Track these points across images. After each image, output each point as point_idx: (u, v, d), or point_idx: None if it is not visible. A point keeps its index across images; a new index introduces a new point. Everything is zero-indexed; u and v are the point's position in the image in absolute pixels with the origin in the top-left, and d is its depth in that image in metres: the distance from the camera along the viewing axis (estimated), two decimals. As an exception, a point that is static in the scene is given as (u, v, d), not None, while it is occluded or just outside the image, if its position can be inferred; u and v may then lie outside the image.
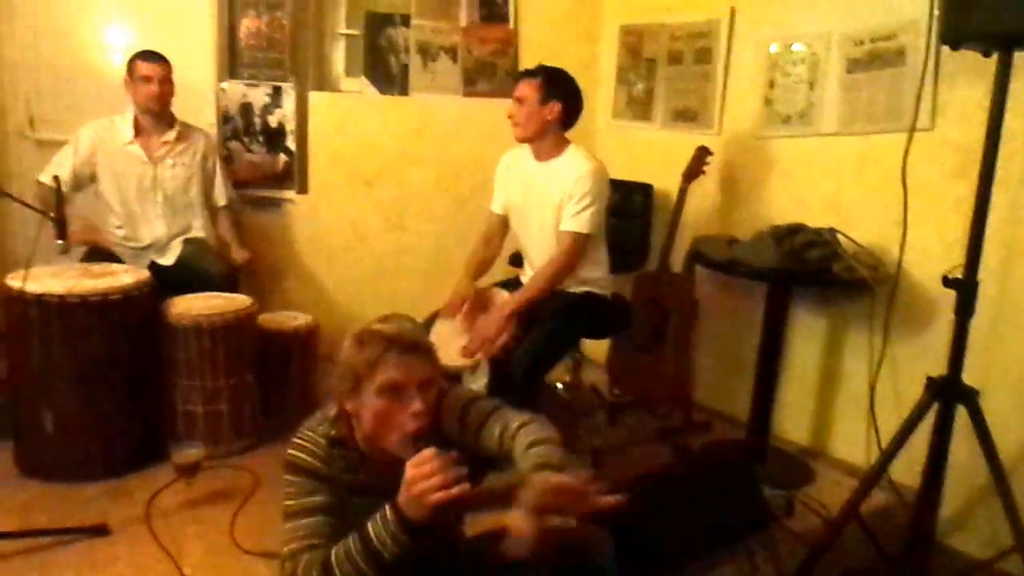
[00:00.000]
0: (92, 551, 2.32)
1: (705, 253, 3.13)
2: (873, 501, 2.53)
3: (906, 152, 2.39)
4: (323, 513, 1.56)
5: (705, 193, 3.59)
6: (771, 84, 3.34)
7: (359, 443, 1.63)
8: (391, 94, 4.07)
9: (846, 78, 3.04)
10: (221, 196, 3.63)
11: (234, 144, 3.94)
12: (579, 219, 2.82)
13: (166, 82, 3.33)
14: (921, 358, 2.74)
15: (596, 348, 3.79)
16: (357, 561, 1.46)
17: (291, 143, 4.00)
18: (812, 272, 2.83)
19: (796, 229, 2.89)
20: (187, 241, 3.47)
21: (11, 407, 2.81)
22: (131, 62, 3.32)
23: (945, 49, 2.24)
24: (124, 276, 2.86)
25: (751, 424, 3.14)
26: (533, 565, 1.64)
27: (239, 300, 3.09)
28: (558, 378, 3.36)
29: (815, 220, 2.98)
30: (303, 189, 4.06)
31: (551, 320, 2.81)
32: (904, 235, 2.53)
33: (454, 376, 2.72)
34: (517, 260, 3.32)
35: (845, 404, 3.14)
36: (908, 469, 2.52)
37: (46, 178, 3.22)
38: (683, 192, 3.35)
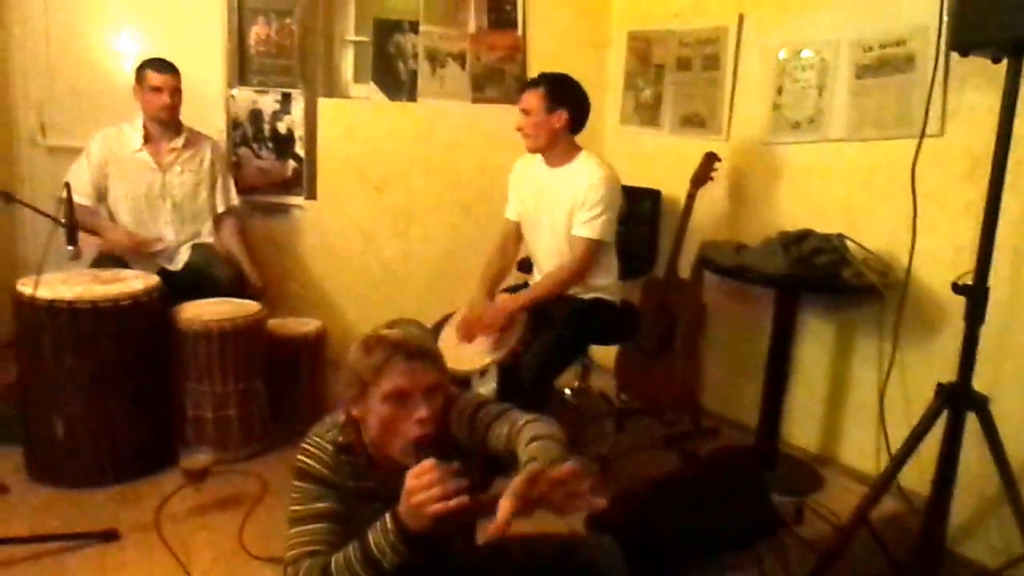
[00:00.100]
0: (102, 556, 2.33)
1: (713, 259, 3.12)
2: (883, 508, 2.52)
3: (915, 158, 2.40)
4: (327, 520, 1.56)
5: (713, 199, 3.59)
6: (779, 90, 3.33)
7: (367, 449, 1.63)
8: (399, 100, 4.08)
9: (855, 84, 3.03)
10: (220, 203, 3.62)
11: (243, 150, 3.96)
12: (592, 226, 2.82)
13: (176, 93, 3.35)
14: (931, 364, 2.73)
15: (604, 354, 3.79)
16: (356, 569, 1.46)
17: (300, 149, 4.01)
18: (821, 278, 2.82)
19: (805, 235, 2.88)
20: (195, 247, 3.49)
21: (21, 412, 2.82)
22: (140, 70, 3.33)
23: (954, 55, 2.24)
24: (134, 282, 2.87)
25: (760, 430, 3.13)
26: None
27: (248, 306, 3.10)
28: (566, 384, 3.35)
29: (824, 226, 2.98)
30: (312, 195, 4.07)
31: (560, 326, 2.81)
32: (913, 241, 2.53)
33: (463, 381, 2.73)
34: (525, 266, 3.32)
35: (854, 410, 3.13)
36: (918, 476, 2.51)
37: (76, 199, 3.25)
38: (691, 198, 3.35)
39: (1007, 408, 2.39)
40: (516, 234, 3.16)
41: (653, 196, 3.84)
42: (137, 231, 3.39)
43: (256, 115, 3.96)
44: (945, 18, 2.40)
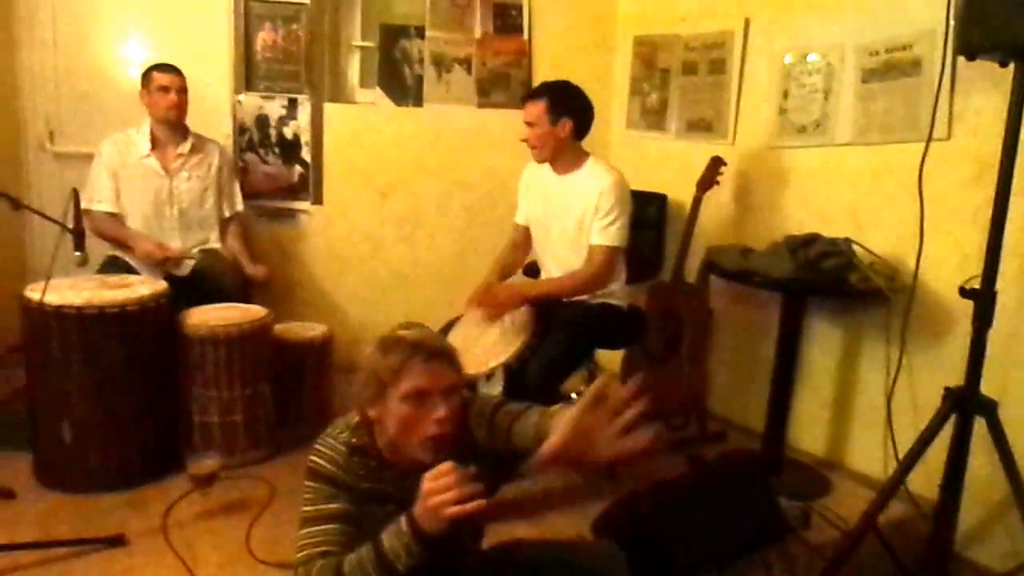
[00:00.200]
0: (109, 561, 2.33)
1: (719, 263, 3.12)
2: (891, 513, 2.51)
3: (922, 162, 2.39)
4: (339, 521, 1.56)
5: (719, 203, 3.58)
6: (785, 94, 3.33)
7: (380, 450, 1.63)
8: (405, 105, 4.09)
9: (861, 88, 3.03)
10: (227, 208, 3.64)
11: (250, 156, 3.97)
12: (608, 233, 2.83)
13: (182, 92, 3.37)
14: (938, 369, 2.72)
15: (611, 358, 3.78)
16: (369, 571, 1.46)
17: (306, 154, 4.02)
18: (827, 282, 2.81)
19: (811, 239, 2.88)
20: (202, 252, 3.50)
21: (30, 418, 2.83)
22: (146, 74, 3.36)
23: (961, 59, 2.24)
24: (141, 287, 2.88)
25: (766, 435, 3.12)
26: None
27: (255, 311, 3.11)
28: (573, 388, 3.34)
29: (830, 230, 2.97)
30: (318, 200, 4.08)
31: (567, 330, 2.81)
32: (921, 245, 2.52)
33: (469, 384, 2.73)
34: (532, 272, 3.32)
35: (862, 415, 3.12)
36: (926, 481, 2.50)
37: (98, 207, 3.33)
38: (697, 202, 3.35)
39: (1015, 412, 2.38)
40: (525, 238, 3.17)
41: (659, 200, 3.84)
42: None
43: (262, 120, 3.97)
44: (952, 22, 2.39)
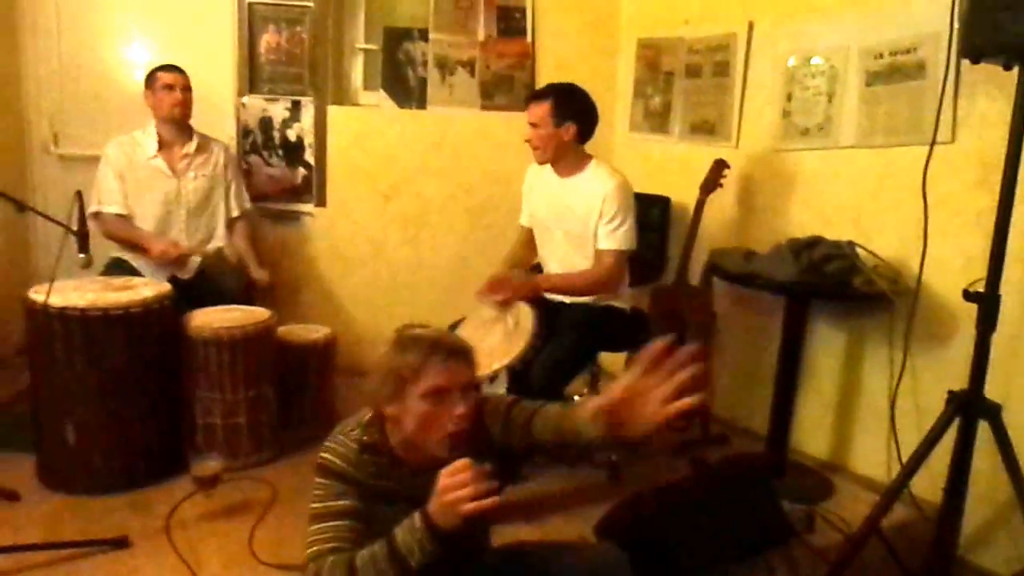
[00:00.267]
0: (113, 563, 2.34)
1: (723, 266, 3.12)
2: (894, 516, 2.51)
3: (926, 165, 2.39)
4: (349, 517, 1.57)
5: (723, 206, 3.58)
6: (789, 97, 3.33)
7: (392, 448, 1.64)
8: (409, 108, 4.10)
9: (865, 91, 3.03)
10: (235, 207, 3.65)
11: (254, 158, 3.98)
12: (615, 237, 2.84)
13: (187, 90, 3.39)
14: (942, 372, 2.71)
15: (614, 361, 3.78)
16: (382, 566, 1.46)
17: (310, 157, 4.03)
18: (831, 285, 2.81)
19: (815, 242, 2.88)
20: (206, 255, 3.50)
21: (34, 419, 2.84)
22: (150, 75, 3.38)
23: (965, 62, 2.23)
24: (144, 289, 2.89)
25: (770, 438, 3.12)
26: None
27: (258, 313, 3.11)
28: (576, 391, 3.35)
29: (834, 233, 2.97)
30: (321, 202, 4.09)
31: (570, 333, 2.81)
32: (924, 248, 2.51)
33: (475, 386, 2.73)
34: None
35: (865, 418, 3.12)
36: (930, 484, 2.49)
37: (108, 209, 3.33)
38: (700, 205, 3.35)
39: (1019, 416, 2.37)
40: (530, 239, 3.18)
41: (662, 203, 3.84)
42: None
43: (266, 123, 3.98)
44: (956, 25, 2.40)
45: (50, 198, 3.80)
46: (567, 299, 2.99)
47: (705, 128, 3.77)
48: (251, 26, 3.88)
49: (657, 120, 4.06)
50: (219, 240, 3.57)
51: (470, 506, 1.38)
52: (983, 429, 2.21)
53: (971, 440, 2.25)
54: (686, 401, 1.48)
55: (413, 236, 4.21)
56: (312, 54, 3.96)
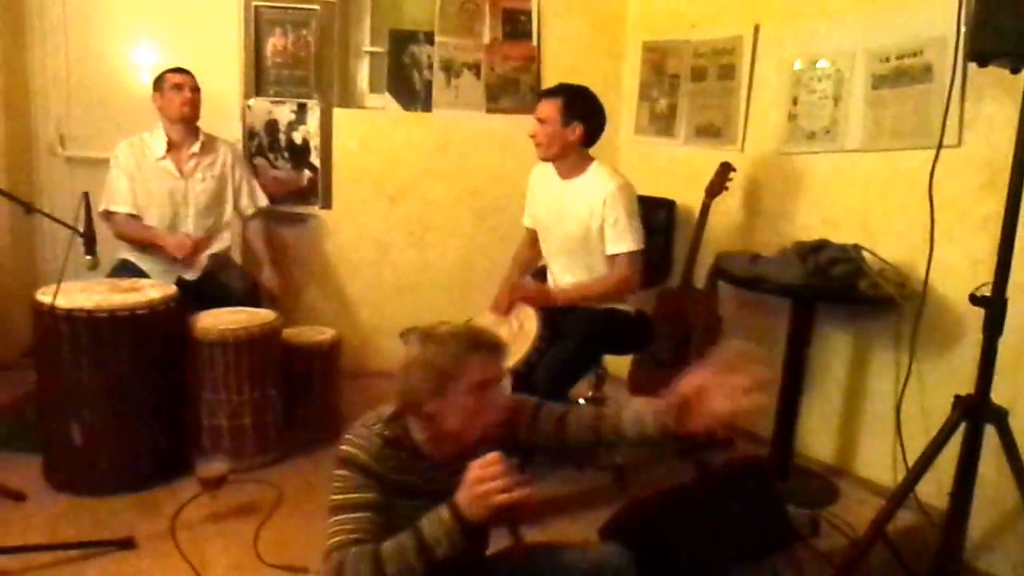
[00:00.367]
0: (118, 564, 2.34)
1: (728, 269, 3.11)
2: (900, 521, 2.50)
3: (933, 168, 2.38)
4: (371, 510, 1.58)
5: (728, 209, 3.58)
6: (795, 100, 3.33)
7: (415, 443, 1.66)
8: (414, 110, 4.10)
9: (871, 94, 3.02)
10: (249, 206, 3.66)
11: (259, 160, 3.99)
12: (624, 239, 2.85)
13: (196, 90, 3.41)
14: (948, 376, 2.71)
15: (618, 364, 3.78)
16: (408, 557, 1.48)
17: (315, 159, 4.04)
18: (837, 289, 2.81)
19: (820, 245, 2.87)
20: (212, 256, 3.51)
21: (40, 421, 2.85)
22: (159, 78, 3.40)
23: (972, 65, 2.23)
24: (151, 291, 2.89)
25: (775, 441, 3.11)
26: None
27: (264, 314, 3.12)
28: (580, 394, 3.34)
29: (840, 237, 2.97)
30: (327, 204, 4.10)
31: (575, 335, 2.81)
32: (931, 252, 2.51)
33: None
34: (541, 275, 3.32)
35: (871, 422, 3.11)
36: (936, 489, 2.49)
37: (119, 209, 3.35)
38: (706, 208, 3.34)
39: (1026, 421, 2.37)
40: (536, 240, 3.18)
41: (668, 206, 3.83)
42: None
43: (272, 125, 3.99)
44: (963, 28, 2.39)
45: (56, 200, 3.81)
46: (571, 301, 2.99)
47: (711, 131, 3.77)
48: (257, 29, 3.89)
49: (662, 123, 4.06)
50: (226, 241, 3.58)
51: (502, 497, 1.43)
52: (990, 434, 2.21)
53: (977, 444, 2.25)
54: (754, 399, 1.55)
55: (419, 238, 4.22)
56: (318, 57, 3.97)
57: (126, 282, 3.02)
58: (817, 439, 3.30)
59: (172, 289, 2.97)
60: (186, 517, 2.60)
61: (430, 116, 4.10)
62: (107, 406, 2.74)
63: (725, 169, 3.32)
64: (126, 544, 2.41)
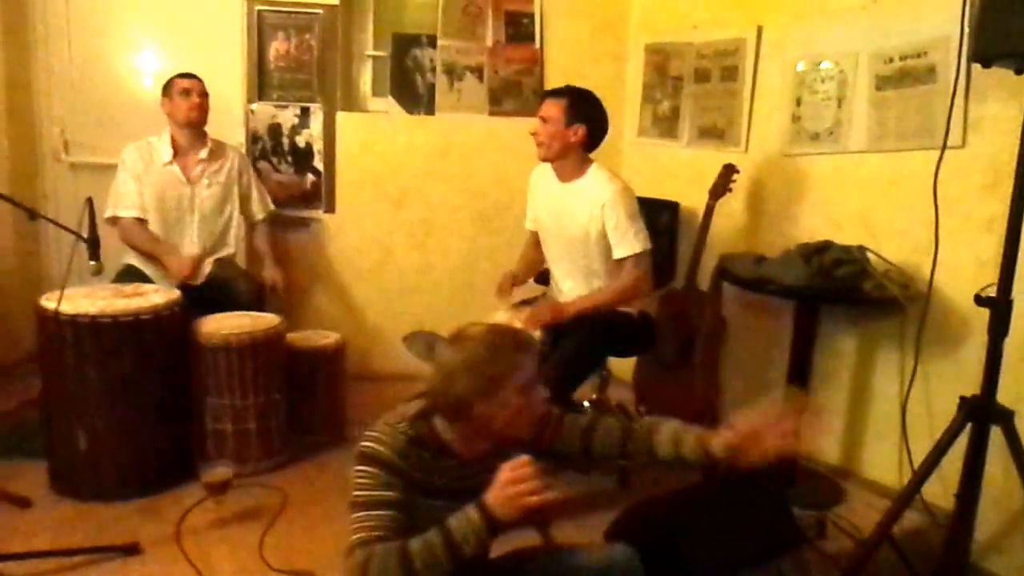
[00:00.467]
0: (124, 569, 2.35)
1: (732, 270, 3.11)
2: (906, 523, 2.50)
3: (937, 169, 2.38)
4: (394, 508, 1.58)
5: (732, 211, 3.57)
6: (798, 102, 3.32)
7: (443, 443, 1.68)
8: (417, 113, 4.11)
9: (875, 96, 3.02)
10: (259, 210, 3.68)
11: (263, 164, 3.99)
12: (629, 242, 2.84)
13: (204, 95, 3.42)
14: (954, 377, 2.70)
15: (622, 366, 3.78)
16: (437, 553, 1.51)
17: (319, 163, 4.04)
18: (841, 290, 2.80)
19: (825, 247, 2.87)
20: (217, 261, 3.51)
21: (44, 426, 2.85)
22: (168, 83, 3.41)
23: (976, 66, 2.22)
24: (155, 296, 2.90)
25: (780, 443, 3.10)
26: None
27: (267, 319, 3.12)
28: (584, 396, 3.34)
29: (844, 238, 2.96)
30: (330, 208, 4.11)
31: (579, 338, 2.81)
32: (936, 253, 2.50)
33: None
34: (543, 278, 3.32)
35: (876, 424, 3.10)
36: (941, 490, 2.48)
37: (126, 213, 3.35)
38: (710, 210, 3.34)
39: (1032, 422, 2.36)
40: (539, 242, 3.17)
41: (671, 208, 3.83)
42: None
43: (275, 129, 4.00)
44: (966, 29, 2.39)
45: (61, 206, 3.82)
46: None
47: (714, 133, 3.77)
48: (260, 33, 3.90)
49: (666, 125, 4.06)
50: (231, 247, 3.58)
51: (533, 499, 1.48)
52: (995, 434, 2.20)
53: (983, 445, 2.24)
54: (798, 444, 1.67)
55: (422, 241, 4.22)
56: (321, 61, 3.98)
57: (130, 287, 3.02)
58: (822, 441, 3.29)
59: (176, 294, 2.97)
60: (191, 522, 2.60)
61: (433, 119, 4.11)
62: (111, 412, 2.74)
63: (729, 171, 3.32)
64: (131, 550, 2.41)
